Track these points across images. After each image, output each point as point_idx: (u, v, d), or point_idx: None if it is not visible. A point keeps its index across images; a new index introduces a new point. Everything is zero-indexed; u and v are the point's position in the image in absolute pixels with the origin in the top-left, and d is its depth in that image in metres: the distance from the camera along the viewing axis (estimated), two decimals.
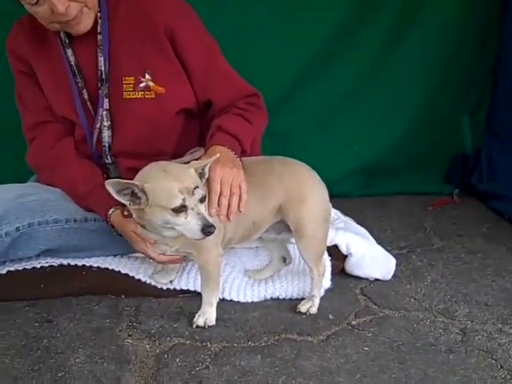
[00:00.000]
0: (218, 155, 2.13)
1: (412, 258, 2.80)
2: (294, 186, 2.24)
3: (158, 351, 2.09)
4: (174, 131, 2.43)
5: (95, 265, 2.41)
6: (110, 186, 1.96)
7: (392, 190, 3.57)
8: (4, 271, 2.37)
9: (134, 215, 2.08)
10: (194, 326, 2.20)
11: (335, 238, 2.54)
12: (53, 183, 2.43)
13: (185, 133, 2.44)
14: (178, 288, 2.39)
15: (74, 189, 2.36)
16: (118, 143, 2.40)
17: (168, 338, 2.15)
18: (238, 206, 2.14)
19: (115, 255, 2.49)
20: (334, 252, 2.53)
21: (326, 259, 2.46)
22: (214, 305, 2.24)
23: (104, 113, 2.36)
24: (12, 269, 2.37)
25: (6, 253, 2.29)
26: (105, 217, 2.25)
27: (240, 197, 2.15)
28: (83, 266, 2.40)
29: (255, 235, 2.34)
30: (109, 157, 2.43)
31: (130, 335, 2.17)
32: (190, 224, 1.96)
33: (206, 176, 2.10)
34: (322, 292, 2.38)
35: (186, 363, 2.02)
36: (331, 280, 2.45)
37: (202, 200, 2.00)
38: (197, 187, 1.99)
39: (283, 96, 3.38)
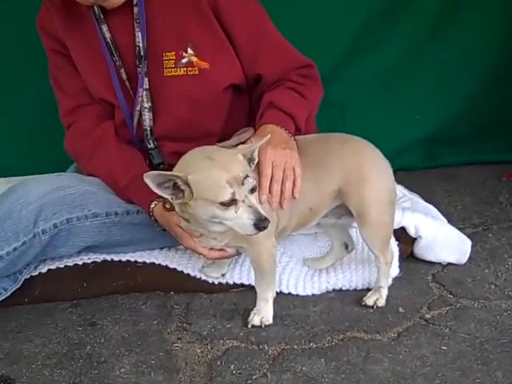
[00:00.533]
0: (269, 136, 1.91)
1: (488, 237, 2.53)
2: (355, 166, 2.02)
3: (210, 357, 1.90)
4: (221, 110, 2.22)
5: (140, 260, 2.23)
6: (150, 179, 1.75)
7: (460, 161, 3.27)
8: (45, 269, 2.20)
9: (177, 209, 1.88)
10: (250, 326, 2.00)
11: (402, 219, 2.32)
12: (92, 172, 2.24)
13: (233, 111, 2.24)
14: (230, 282, 2.20)
15: (114, 179, 2.17)
16: (160, 126, 2.20)
17: (221, 341, 1.96)
18: (292, 191, 1.95)
19: (162, 248, 2.30)
20: (402, 235, 2.31)
21: (393, 244, 2.23)
22: (271, 301, 2.03)
23: (144, 93, 2.15)
24: (53, 267, 2.21)
25: (44, 251, 2.12)
26: (147, 211, 2.07)
27: (294, 181, 1.95)
28: (127, 261, 2.23)
29: (312, 222, 2.12)
30: (151, 141, 2.23)
31: (179, 338, 1.99)
32: (240, 219, 1.75)
33: (256, 161, 1.87)
34: (390, 281, 2.16)
35: (241, 370, 1.83)
36: (399, 267, 2.22)
37: (252, 190, 1.78)
38: (247, 176, 1.77)
39: (338, 64, 3.08)
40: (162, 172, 1.79)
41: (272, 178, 1.93)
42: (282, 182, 1.93)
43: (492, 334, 1.95)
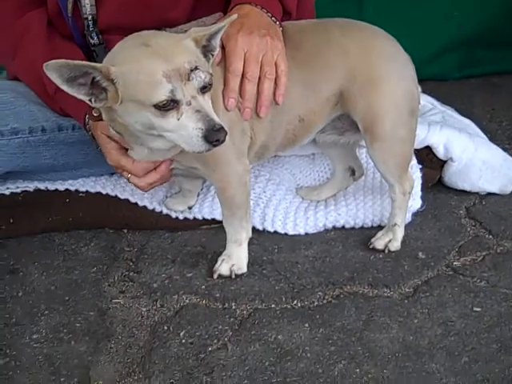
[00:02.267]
0: (236, 16, 1.42)
1: None
2: (363, 62, 1.60)
3: (156, 318, 1.45)
4: None
5: (82, 189, 1.77)
6: (53, 70, 1.27)
7: (504, 68, 2.84)
8: None
9: (104, 117, 1.40)
10: (216, 277, 1.56)
11: (428, 136, 1.91)
12: (16, 74, 1.78)
13: None
14: (199, 217, 1.77)
15: (41, 83, 1.67)
16: (105, 13, 1.70)
17: (175, 297, 1.51)
18: (274, 94, 1.53)
19: (111, 174, 1.82)
20: (427, 157, 1.93)
21: (415, 168, 1.85)
22: (244, 244, 1.59)
23: None
24: None
25: None
26: (82, 123, 1.59)
27: (277, 80, 1.54)
28: (66, 190, 1.77)
29: (304, 139, 1.65)
30: (94, 34, 1.74)
31: (122, 291, 1.53)
32: (184, 129, 1.28)
33: (217, 52, 1.41)
34: (409, 217, 1.76)
35: (194, 339, 1.38)
36: (422, 198, 1.83)
37: (204, 89, 1.30)
38: (196, 68, 1.29)
39: None
40: (70, 61, 1.28)
41: (244, 74, 1.51)
42: (260, 80, 1.52)
43: None
